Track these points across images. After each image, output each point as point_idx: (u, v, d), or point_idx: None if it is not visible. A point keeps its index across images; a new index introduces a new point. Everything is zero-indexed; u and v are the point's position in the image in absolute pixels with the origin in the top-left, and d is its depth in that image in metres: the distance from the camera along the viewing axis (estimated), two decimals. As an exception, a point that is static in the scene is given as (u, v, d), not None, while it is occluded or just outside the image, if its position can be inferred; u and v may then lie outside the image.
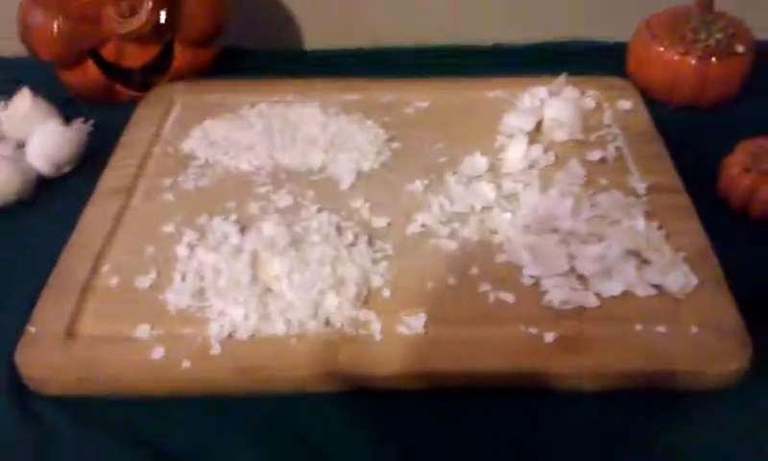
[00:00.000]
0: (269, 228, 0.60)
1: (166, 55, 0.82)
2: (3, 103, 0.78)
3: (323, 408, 0.51)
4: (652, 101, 0.77)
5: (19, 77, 0.82)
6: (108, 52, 0.79)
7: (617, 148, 0.70)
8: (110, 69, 0.80)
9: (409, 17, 0.92)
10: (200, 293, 0.56)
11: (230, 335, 0.53)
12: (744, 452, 0.49)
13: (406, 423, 0.50)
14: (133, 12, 0.75)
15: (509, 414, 0.50)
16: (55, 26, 0.76)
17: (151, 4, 0.74)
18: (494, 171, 0.67)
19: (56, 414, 0.51)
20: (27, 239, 0.65)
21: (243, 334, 0.53)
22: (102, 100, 0.82)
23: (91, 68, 0.79)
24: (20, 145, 0.72)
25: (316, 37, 0.95)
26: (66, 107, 0.78)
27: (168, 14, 0.77)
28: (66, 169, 0.71)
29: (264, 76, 0.83)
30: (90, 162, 0.73)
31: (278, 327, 0.53)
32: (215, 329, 0.53)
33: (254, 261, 0.57)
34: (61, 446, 0.50)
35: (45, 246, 0.63)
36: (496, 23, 0.92)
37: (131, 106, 0.80)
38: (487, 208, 0.63)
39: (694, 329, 0.53)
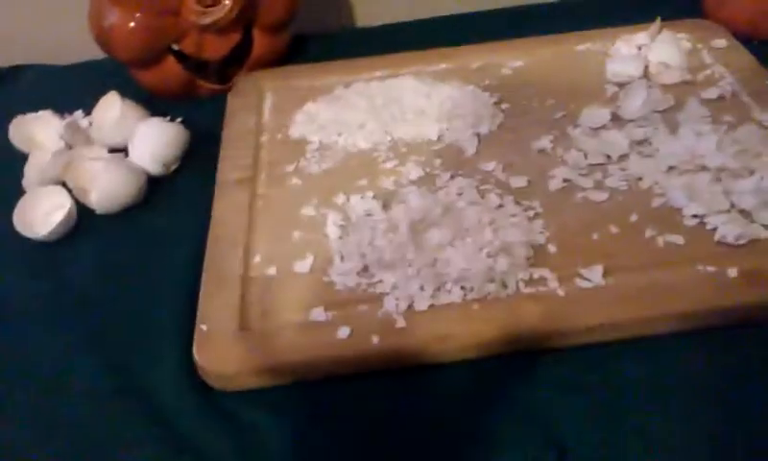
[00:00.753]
0: (414, 199, 0.59)
1: (241, 45, 0.79)
2: (80, 111, 0.76)
3: (526, 368, 0.50)
4: (737, 38, 0.77)
5: (84, 84, 0.80)
6: (187, 46, 0.76)
7: (730, 84, 0.69)
8: (188, 64, 0.78)
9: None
10: (364, 270, 0.55)
11: (410, 307, 0.52)
12: None
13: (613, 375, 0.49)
14: (215, 0, 0.73)
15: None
16: (133, 24, 0.73)
17: (236, -10, 0.71)
18: (616, 119, 0.66)
19: (248, 408, 0.49)
20: (154, 239, 0.63)
21: (422, 305, 0.52)
22: (181, 96, 0.79)
23: (172, 64, 0.77)
24: (114, 150, 0.70)
25: (364, 15, 0.93)
26: (146, 107, 0.75)
27: (246, 1, 0.75)
28: (174, 167, 0.69)
29: (332, 58, 0.81)
30: (193, 159, 0.71)
31: (456, 294, 0.52)
32: (393, 304, 0.52)
33: (413, 233, 0.56)
34: (262, 440, 0.48)
35: (175, 244, 0.62)
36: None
37: (211, 100, 0.78)
38: (623, 156, 0.62)
39: None
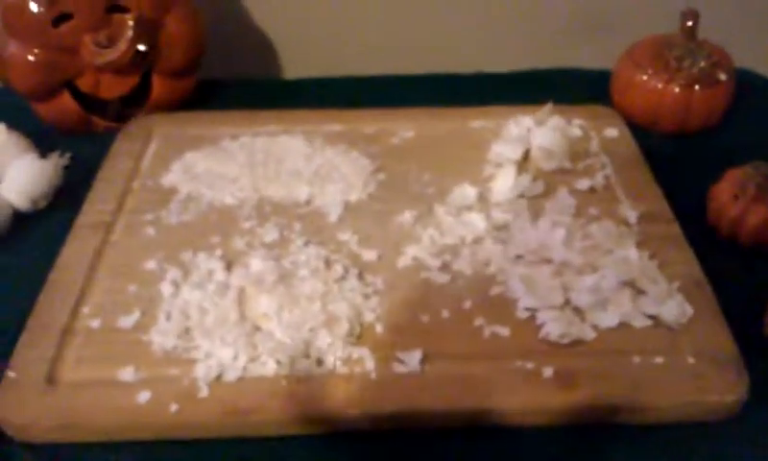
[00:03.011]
0: (256, 263, 0.59)
1: (143, 86, 0.80)
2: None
3: (316, 451, 0.49)
4: (636, 129, 0.77)
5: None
6: (84, 83, 0.77)
7: (605, 176, 0.69)
8: (86, 100, 0.78)
9: (390, 47, 0.92)
10: (186, 333, 0.54)
11: (219, 377, 0.51)
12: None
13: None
14: (112, 41, 0.74)
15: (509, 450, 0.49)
16: (31, 57, 0.74)
17: (131, 34, 0.72)
18: (484, 201, 0.66)
19: (37, 463, 0.49)
20: (1, 276, 0.62)
21: (232, 375, 0.51)
22: (78, 131, 0.80)
23: (67, 100, 0.77)
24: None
25: (293, 67, 0.94)
26: (41, 138, 0.76)
27: (147, 45, 0.75)
28: (42, 204, 0.69)
29: (242, 107, 0.81)
30: (67, 196, 0.71)
31: (269, 368, 0.52)
32: (202, 371, 0.51)
33: (242, 299, 0.56)
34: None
35: (21, 283, 0.61)
36: (478, 52, 0.92)
37: (107, 137, 0.78)
38: (478, 240, 0.62)
39: (691, 360, 0.52)
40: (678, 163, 0.74)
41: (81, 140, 0.78)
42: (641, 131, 0.78)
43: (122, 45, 0.72)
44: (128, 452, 0.49)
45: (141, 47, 0.74)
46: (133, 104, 0.81)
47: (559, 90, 0.83)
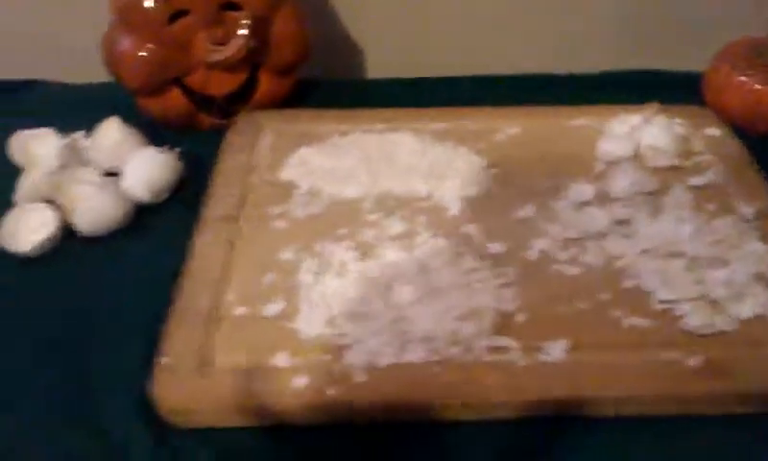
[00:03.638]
0: (391, 254, 0.60)
1: (247, 83, 0.81)
2: (82, 132, 0.77)
3: (471, 436, 0.50)
4: (733, 129, 0.78)
5: (93, 105, 0.81)
6: (194, 80, 0.78)
7: (715, 173, 0.70)
8: (194, 97, 0.80)
9: (477, 48, 0.93)
10: (331, 321, 0.55)
11: (371, 363, 0.52)
12: None
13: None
14: (226, 39, 0.75)
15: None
16: (145, 53, 0.75)
17: (247, 31, 0.73)
18: (600, 197, 0.67)
19: (195, 447, 0.50)
20: (132, 267, 0.64)
21: (383, 362, 0.52)
22: (183, 127, 0.81)
23: (177, 96, 0.78)
24: (108, 173, 0.71)
25: (381, 68, 0.95)
26: (147, 134, 0.77)
27: (257, 42, 0.76)
28: (164, 196, 0.70)
29: (334, 106, 0.82)
30: (184, 190, 0.72)
31: (418, 355, 0.53)
32: (354, 357, 0.52)
33: (384, 288, 0.56)
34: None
35: (152, 274, 0.63)
36: (569, 53, 0.93)
37: (211, 133, 0.79)
38: (601, 234, 0.63)
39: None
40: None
41: (186, 136, 0.79)
42: (738, 131, 0.78)
43: (239, 41, 0.74)
44: (280, 438, 0.50)
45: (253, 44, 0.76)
46: (237, 101, 0.82)
47: (649, 91, 0.84)
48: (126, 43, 0.76)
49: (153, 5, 0.73)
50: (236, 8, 0.76)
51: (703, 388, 0.51)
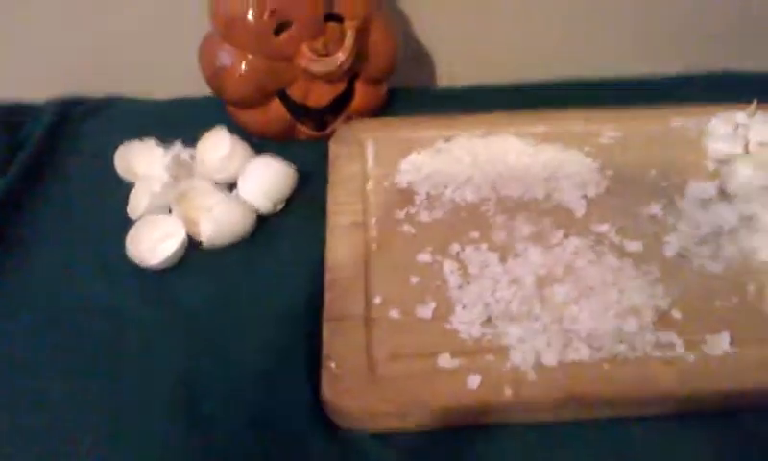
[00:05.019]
0: (533, 254, 0.59)
1: (343, 93, 0.81)
2: (179, 144, 0.76)
3: (651, 431, 0.50)
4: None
5: (173, 119, 0.81)
6: (295, 91, 0.78)
7: (831, 169, 0.70)
8: (290, 108, 0.79)
9: (549, 53, 0.93)
10: (488, 321, 0.55)
11: (538, 362, 0.52)
12: None
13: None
14: (328, 49, 0.75)
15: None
16: (246, 66, 0.75)
17: (352, 42, 0.73)
18: (722, 194, 0.67)
19: (378, 450, 0.49)
20: (263, 276, 0.63)
21: (551, 360, 0.52)
22: (278, 139, 0.81)
23: (278, 108, 0.78)
24: (218, 185, 0.71)
25: (452, 75, 0.95)
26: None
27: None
28: (280, 206, 0.70)
29: (422, 113, 0.82)
30: (296, 200, 0.71)
31: (583, 353, 0.52)
32: (521, 357, 0.52)
33: (537, 288, 0.56)
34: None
35: (283, 282, 0.62)
36: (645, 56, 0.94)
37: (306, 145, 0.79)
38: (733, 230, 0.63)
39: None
40: None
41: (282, 147, 0.79)
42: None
43: (345, 52, 0.74)
44: (438, 440, 0.50)
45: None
46: (329, 112, 0.82)
47: (729, 92, 0.85)
48: (229, 57, 0.75)
49: (260, 18, 0.73)
50: (336, 18, 0.75)
51: None
